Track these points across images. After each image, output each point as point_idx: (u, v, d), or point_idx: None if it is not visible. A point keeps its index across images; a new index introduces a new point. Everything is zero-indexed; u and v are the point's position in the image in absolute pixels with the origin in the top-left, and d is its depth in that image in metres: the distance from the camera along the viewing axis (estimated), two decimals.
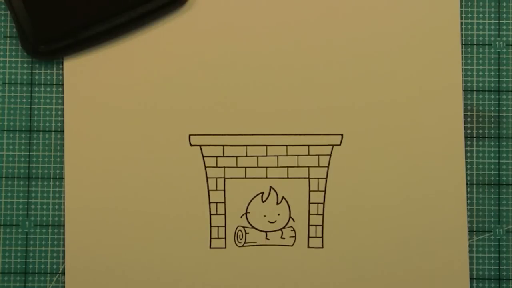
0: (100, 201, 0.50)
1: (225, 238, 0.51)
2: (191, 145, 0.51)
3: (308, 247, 0.51)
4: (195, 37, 0.52)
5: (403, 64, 0.51)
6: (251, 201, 0.51)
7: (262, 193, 0.51)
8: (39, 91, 0.52)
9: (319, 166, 0.51)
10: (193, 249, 0.51)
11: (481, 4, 0.52)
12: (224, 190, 0.51)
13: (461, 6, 0.52)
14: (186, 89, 0.51)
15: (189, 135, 0.51)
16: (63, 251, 0.51)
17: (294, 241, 0.51)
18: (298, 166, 0.51)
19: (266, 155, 0.51)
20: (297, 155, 0.51)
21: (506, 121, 0.52)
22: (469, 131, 0.51)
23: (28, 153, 0.51)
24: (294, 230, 0.51)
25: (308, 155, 0.51)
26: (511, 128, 0.51)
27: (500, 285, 0.51)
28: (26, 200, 0.51)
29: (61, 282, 0.51)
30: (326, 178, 0.51)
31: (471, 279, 0.50)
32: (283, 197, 0.51)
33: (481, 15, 0.52)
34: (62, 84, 0.52)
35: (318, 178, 0.51)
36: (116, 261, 0.50)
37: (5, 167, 0.51)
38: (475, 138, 0.51)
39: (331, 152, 0.51)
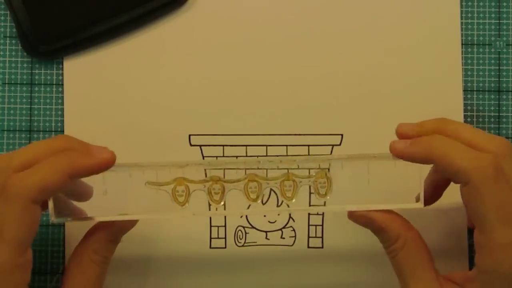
0: (100, 202, 0.50)
1: (225, 238, 0.51)
2: (191, 145, 0.51)
3: (308, 247, 0.51)
4: (195, 37, 0.52)
5: (403, 64, 0.51)
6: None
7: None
8: (39, 91, 0.52)
9: (319, 167, 0.51)
10: (193, 249, 0.51)
11: (481, 4, 0.52)
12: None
13: (461, 6, 0.52)
14: (186, 89, 0.51)
15: (189, 135, 0.51)
16: (63, 251, 0.51)
17: (294, 241, 0.51)
18: (298, 167, 0.51)
19: (266, 155, 0.51)
20: (297, 155, 0.51)
21: (506, 121, 0.52)
22: None
23: None
24: (294, 230, 0.51)
25: (308, 155, 0.51)
26: (511, 128, 0.51)
27: None
28: None
29: (61, 282, 0.51)
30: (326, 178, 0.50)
31: None
32: None
33: (481, 15, 0.52)
34: (62, 84, 0.52)
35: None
36: (115, 262, 0.50)
37: None
38: None
39: (331, 152, 0.51)
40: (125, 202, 0.44)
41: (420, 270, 0.43)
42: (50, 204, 0.42)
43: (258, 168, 0.44)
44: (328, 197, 0.44)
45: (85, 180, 0.44)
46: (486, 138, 0.42)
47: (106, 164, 0.42)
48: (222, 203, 0.44)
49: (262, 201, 0.45)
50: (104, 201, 0.44)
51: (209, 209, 0.45)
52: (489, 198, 0.40)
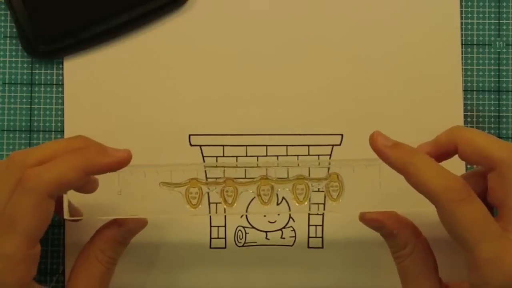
0: (100, 202, 0.50)
1: (225, 238, 0.51)
2: (191, 145, 0.51)
3: (308, 247, 0.51)
4: (195, 37, 0.52)
5: (403, 64, 0.51)
6: (251, 201, 0.50)
7: None
8: (39, 91, 0.52)
9: (319, 166, 0.51)
10: (193, 249, 0.51)
11: (481, 4, 0.52)
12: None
13: (461, 6, 0.52)
14: (186, 89, 0.51)
15: (189, 135, 0.51)
16: (63, 251, 0.51)
17: (294, 241, 0.51)
18: (298, 166, 0.51)
19: (266, 155, 0.51)
20: (297, 155, 0.51)
21: (506, 121, 0.52)
22: None
23: None
24: (294, 230, 0.51)
25: (308, 155, 0.51)
26: (511, 128, 0.51)
27: None
28: None
29: (61, 282, 0.51)
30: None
31: None
32: (283, 197, 0.51)
33: (481, 15, 0.52)
34: (62, 84, 0.52)
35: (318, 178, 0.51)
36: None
37: None
38: None
39: (331, 152, 0.51)
40: (137, 203, 0.45)
41: (423, 278, 0.43)
42: (65, 202, 0.43)
43: (276, 166, 0.45)
44: (340, 201, 0.45)
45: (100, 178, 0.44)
46: (498, 146, 0.41)
47: (122, 162, 0.42)
48: (235, 205, 0.45)
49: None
50: (117, 201, 0.45)
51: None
52: (460, 219, 0.39)
